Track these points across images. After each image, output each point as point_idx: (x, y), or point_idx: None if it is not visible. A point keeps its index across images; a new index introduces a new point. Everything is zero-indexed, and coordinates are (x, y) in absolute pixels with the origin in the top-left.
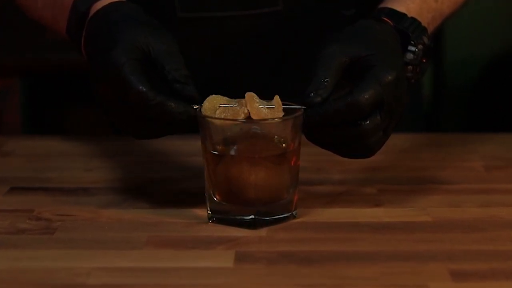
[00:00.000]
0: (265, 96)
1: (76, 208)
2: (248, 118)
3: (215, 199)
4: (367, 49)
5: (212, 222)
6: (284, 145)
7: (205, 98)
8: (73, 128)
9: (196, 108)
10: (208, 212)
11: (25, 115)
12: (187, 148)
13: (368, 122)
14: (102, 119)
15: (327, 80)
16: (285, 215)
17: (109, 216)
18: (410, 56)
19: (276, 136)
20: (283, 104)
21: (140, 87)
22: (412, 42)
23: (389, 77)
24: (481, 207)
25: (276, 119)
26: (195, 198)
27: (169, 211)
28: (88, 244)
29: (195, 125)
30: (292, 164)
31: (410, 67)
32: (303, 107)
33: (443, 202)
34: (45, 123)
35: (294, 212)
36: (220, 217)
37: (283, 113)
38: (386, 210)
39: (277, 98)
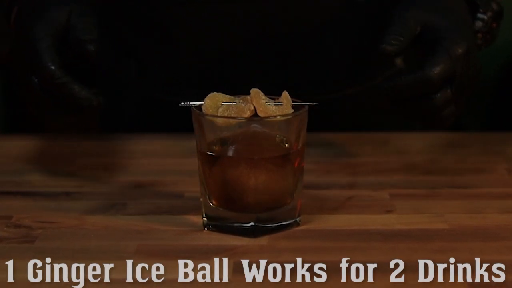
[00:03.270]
0: (268, 89)
1: (59, 214)
2: (255, 115)
3: (211, 204)
4: (438, 19)
5: (208, 229)
6: (287, 145)
7: (204, 92)
8: (54, 127)
9: (186, 104)
10: (204, 219)
11: (1, 112)
12: (180, 148)
13: (439, 95)
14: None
15: (401, 39)
16: (288, 222)
17: (95, 223)
18: (479, 24)
19: (278, 135)
20: (292, 101)
21: (49, 64)
22: (480, 10)
23: (460, 50)
24: (504, 213)
25: (286, 116)
26: (189, 204)
27: (160, 217)
28: (72, 253)
29: (98, 116)
30: (296, 166)
31: (480, 34)
32: (314, 103)
33: (462, 208)
34: (23, 120)
35: (297, 219)
36: (216, 225)
37: (292, 110)
38: (399, 217)
39: (285, 94)
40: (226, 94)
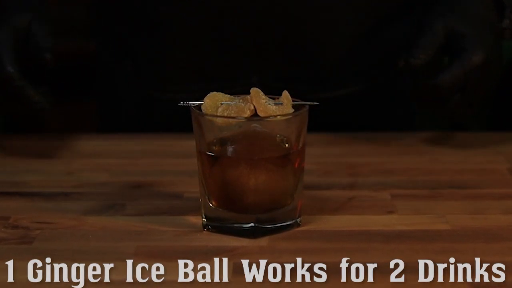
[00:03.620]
0: (265, 84)
1: (57, 215)
2: (255, 115)
3: (211, 205)
4: (464, 28)
5: (207, 230)
6: (287, 145)
7: (201, 88)
8: (52, 126)
9: (185, 104)
10: (203, 219)
11: None
12: (179, 148)
13: (450, 101)
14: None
15: (429, 53)
16: (288, 223)
17: (93, 224)
18: (506, 22)
19: (278, 135)
20: (292, 101)
21: (9, 67)
22: (507, 10)
23: (477, 61)
24: (506, 214)
25: (287, 116)
26: (188, 204)
27: (159, 218)
28: (70, 254)
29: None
30: (296, 166)
31: (508, 30)
32: (315, 103)
33: (464, 209)
34: (21, 120)
35: (298, 220)
36: (216, 225)
37: (293, 110)
38: (400, 218)
39: (286, 93)
40: (224, 88)
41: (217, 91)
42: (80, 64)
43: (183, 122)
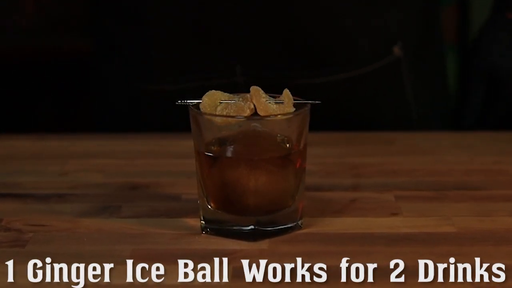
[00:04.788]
0: (249, 72)
1: (50, 217)
2: (254, 114)
3: (210, 207)
4: (503, 60)
5: (206, 233)
6: (288, 145)
7: (182, 77)
8: (45, 126)
9: (183, 103)
10: (201, 222)
11: None
12: (177, 148)
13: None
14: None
15: (478, 109)
16: (289, 225)
17: (88, 226)
18: None
19: (278, 135)
20: (294, 99)
21: None
22: None
23: None
24: None
25: (287, 115)
26: (186, 206)
27: (156, 221)
28: (64, 258)
29: None
30: (298, 167)
31: None
32: (317, 102)
33: (470, 211)
34: (12, 120)
35: (299, 222)
36: (215, 228)
37: (294, 109)
38: (404, 220)
39: (287, 91)
40: (207, 79)
41: (200, 80)
42: (74, 62)
43: (180, 121)
